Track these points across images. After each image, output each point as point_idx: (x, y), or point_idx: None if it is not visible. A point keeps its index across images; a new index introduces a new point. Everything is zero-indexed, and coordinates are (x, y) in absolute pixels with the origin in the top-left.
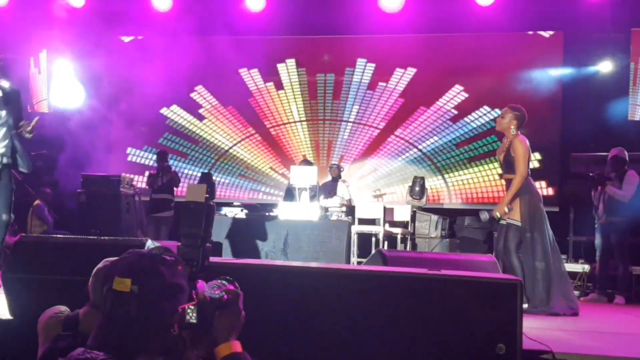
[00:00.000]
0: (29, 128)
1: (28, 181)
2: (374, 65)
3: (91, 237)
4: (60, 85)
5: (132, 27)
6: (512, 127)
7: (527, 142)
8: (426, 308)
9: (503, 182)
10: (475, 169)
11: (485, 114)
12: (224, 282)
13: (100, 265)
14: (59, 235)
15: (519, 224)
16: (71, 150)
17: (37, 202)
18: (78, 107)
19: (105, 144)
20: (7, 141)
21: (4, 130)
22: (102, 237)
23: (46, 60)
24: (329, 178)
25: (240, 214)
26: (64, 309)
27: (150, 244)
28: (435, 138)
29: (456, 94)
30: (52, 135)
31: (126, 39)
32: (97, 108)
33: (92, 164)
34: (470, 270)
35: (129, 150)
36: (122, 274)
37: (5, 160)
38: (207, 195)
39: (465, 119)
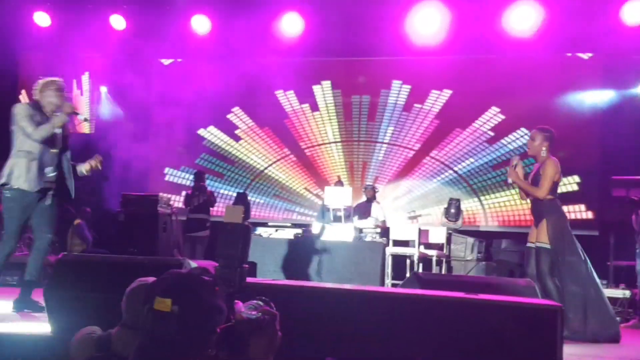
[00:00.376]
0: (88, 167)
1: (69, 200)
2: (409, 87)
3: (130, 256)
4: (103, 108)
5: (172, 50)
6: (544, 148)
7: (559, 165)
8: (463, 333)
9: None
10: (512, 191)
11: (522, 136)
12: (260, 302)
13: (133, 285)
14: (98, 254)
15: (549, 246)
16: (111, 170)
17: (77, 221)
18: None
19: (144, 164)
20: (56, 166)
21: (55, 154)
22: (141, 257)
23: (88, 81)
24: (364, 199)
25: (275, 234)
26: (96, 329)
27: (187, 264)
28: (471, 160)
29: (493, 116)
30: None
31: (166, 61)
32: (136, 129)
33: (131, 184)
34: (507, 295)
35: (166, 170)
36: (163, 294)
37: (53, 186)
38: (244, 216)
39: (502, 140)
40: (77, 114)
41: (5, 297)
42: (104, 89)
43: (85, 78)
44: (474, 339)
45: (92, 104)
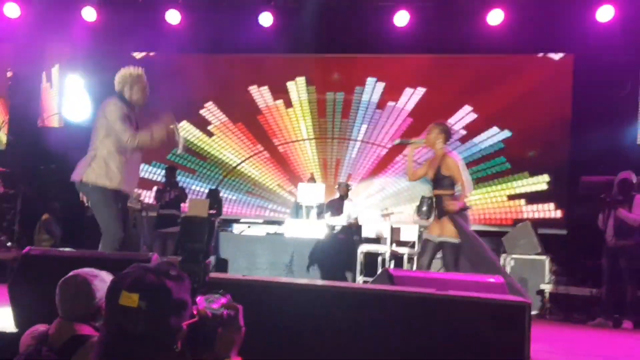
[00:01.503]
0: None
1: (37, 195)
2: (383, 84)
3: (97, 251)
4: (71, 99)
5: (144, 43)
6: (439, 140)
7: (459, 156)
8: (433, 329)
9: (512, 203)
10: (484, 189)
11: (494, 135)
12: (217, 295)
13: (66, 276)
14: (65, 249)
15: (455, 240)
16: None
17: (45, 215)
18: (87, 120)
19: None
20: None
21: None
22: (108, 252)
23: (58, 74)
24: (337, 196)
25: (247, 230)
26: (42, 327)
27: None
28: None
29: (466, 114)
30: (61, 150)
31: (137, 55)
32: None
33: None
34: (478, 292)
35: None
36: (130, 289)
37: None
38: (214, 212)
39: (475, 139)
40: (177, 130)
41: None
42: (73, 82)
43: (54, 70)
44: (445, 334)
45: (61, 96)
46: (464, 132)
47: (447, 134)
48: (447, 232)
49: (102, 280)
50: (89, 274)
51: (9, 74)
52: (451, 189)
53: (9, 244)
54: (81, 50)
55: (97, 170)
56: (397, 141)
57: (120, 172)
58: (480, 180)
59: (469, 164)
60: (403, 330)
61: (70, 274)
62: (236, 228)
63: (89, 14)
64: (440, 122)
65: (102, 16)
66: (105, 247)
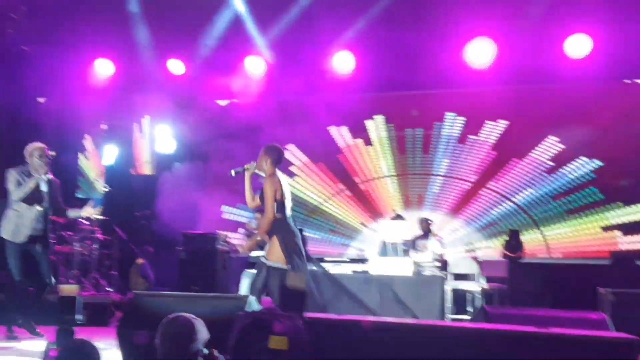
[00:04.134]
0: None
1: (132, 240)
2: (463, 118)
3: (196, 293)
4: (161, 147)
5: (228, 91)
6: (265, 164)
7: (279, 183)
8: None
9: (606, 234)
10: (574, 221)
11: (583, 165)
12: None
13: (165, 320)
14: (166, 293)
15: (281, 265)
16: (169, 209)
17: (140, 260)
18: (176, 167)
19: (202, 202)
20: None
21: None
22: (207, 293)
23: (149, 124)
24: (420, 232)
25: (332, 269)
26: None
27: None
28: (531, 190)
29: (551, 145)
30: (153, 196)
31: (222, 102)
32: (193, 168)
33: (190, 222)
34: (578, 328)
35: (223, 207)
36: (277, 334)
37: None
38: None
39: (562, 170)
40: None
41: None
42: (163, 131)
43: (145, 121)
44: None
45: (152, 145)
46: (551, 164)
47: (274, 156)
48: (273, 257)
49: (202, 324)
50: (192, 317)
51: (104, 126)
52: (278, 213)
53: (108, 288)
54: (169, 100)
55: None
56: (232, 172)
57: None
58: (571, 212)
59: (557, 196)
60: None
61: (172, 315)
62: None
63: (175, 66)
64: (269, 145)
65: (188, 67)
66: None
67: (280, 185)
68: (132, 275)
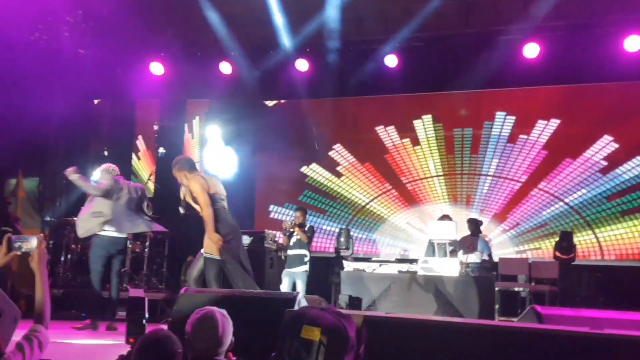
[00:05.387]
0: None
1: (182, 238)
2: (513, 117)
3: (246, 290)
4: (211, 148)
5: (276, 92)
6: (186, 178)
7: (203, 178)
8: None
9: None
10: (630, 222)
11: (638, 165)
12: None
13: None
14: (216, 289)
15: (215, 256)
16: None
17: (190, 258)
18: (230, 172)
19: (250, 201)
20: None
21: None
22: (258, 291)
23: (199, 126)
24: (468, 233)
25: (379, 269)
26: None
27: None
28: (584, 191)
29: (605, 145)
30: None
31: (270, 103)
32: (241, 168)
33: (238, 221)
34: (635, 330)
35: (271, 207)
36: (311, 324)
37: None
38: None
39: (617, 170)
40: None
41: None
42: (212, 132)
43: (195, 122)
44: None
45: (202, 146)
46: (604, 164)
47: (186, 166)
48: (207, 248)
49: (229, 321)
50: (223, 312)
51: (155, 127)
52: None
53: (159, 285)
54: (218, 102)
55: None
56: (181, 210)
57: None
58: (626, 213)
59: (611, 196)
60: None
61: (206, 309)
62: (367, 267)
63: (225, 67)
64: (174, 163)
65: (237, 68)
66: None
67: (205, 179)
68: (182, 272)
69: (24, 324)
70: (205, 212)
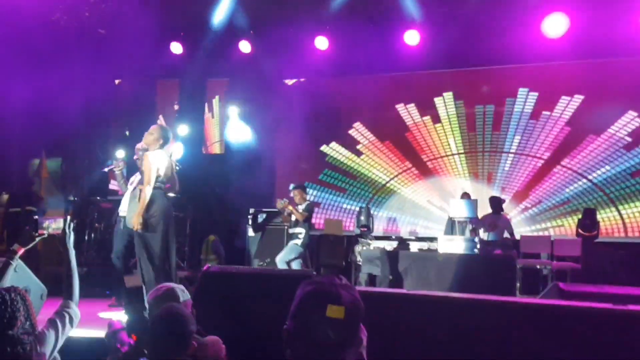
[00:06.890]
0: None
1: (203, 217)
2: (536, 94)
3: (267, 268)
4: (232, 127)
5: (295, 70)
6: (155, 141)
7: (158, 158)
8: (612, 347)
9: None
10: None
11: None
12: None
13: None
14: (237, 267)
15: (140, 230)
16: (237, 187)
17: (212, 237)
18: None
19: (270, 180)
20: None
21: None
22: (277, 269)
23: (219, 105)
24: (489, 211)
25: (399, 247)
26: None
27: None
28: (607, 167)
29: (630, 120)
30: (223, 174)
31: (289, 81)
32: (261, 147)
33: (259, 200)
34: None
35: (290, 186)
36: (335, 303)
37: None
38: (366, 229)
39: None
40: None
41: None
42: (233, 111)
43: (215, 102)
44: (626, 353)
45: (222, 125)
46: (629, 140)
47: (163, 137)
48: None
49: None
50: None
51: (176, 107)
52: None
53: (182, 264)
54: (238, 81)
55: None
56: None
57: None
58: None
59: (635, 173)
60: (578, 348)
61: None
62: (387, 245)
63: (244, 46)
64: (162, 125)
65: (255, 47)
66: None
67: (156, 161)
68: (203, 251)
69: (50, 302)
70: (145, 190)
